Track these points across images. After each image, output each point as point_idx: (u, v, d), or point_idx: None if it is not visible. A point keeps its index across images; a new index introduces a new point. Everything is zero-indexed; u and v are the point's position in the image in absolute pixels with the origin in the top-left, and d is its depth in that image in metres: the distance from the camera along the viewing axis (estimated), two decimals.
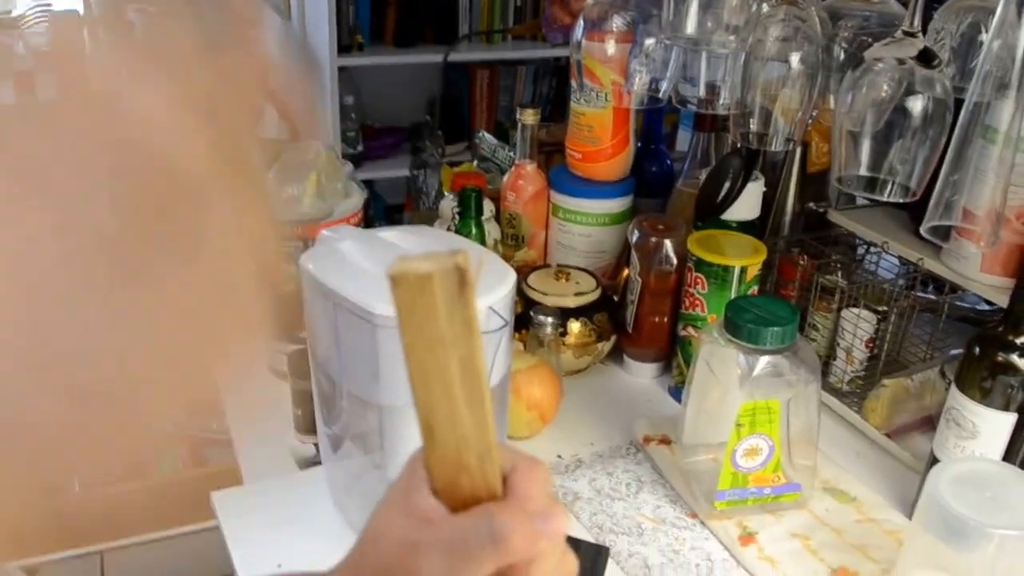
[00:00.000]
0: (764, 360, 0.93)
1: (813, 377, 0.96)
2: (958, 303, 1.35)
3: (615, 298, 1.30)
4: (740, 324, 0.93)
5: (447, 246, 0.89)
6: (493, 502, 0.43)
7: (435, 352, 0.39)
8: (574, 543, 0.89)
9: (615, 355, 1.31)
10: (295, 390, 1.10)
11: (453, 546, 0.42)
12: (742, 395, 0.93)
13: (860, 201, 1.32)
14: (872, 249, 1.25)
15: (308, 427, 1.09)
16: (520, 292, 1.23)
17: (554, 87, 3.41)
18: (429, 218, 1.51)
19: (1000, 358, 0.92)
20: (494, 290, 0.82)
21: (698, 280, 1.15)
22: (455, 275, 0.38)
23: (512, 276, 0.86)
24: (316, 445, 1.09)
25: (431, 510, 0.43)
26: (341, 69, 2.80)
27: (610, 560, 0.92)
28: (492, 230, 1.35)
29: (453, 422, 0.41)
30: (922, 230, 0.98)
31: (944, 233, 1.03)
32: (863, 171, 1.00)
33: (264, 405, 1.20)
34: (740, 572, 0.93)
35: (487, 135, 1.63)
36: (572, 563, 0.46)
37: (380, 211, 1.94)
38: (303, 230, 1.15)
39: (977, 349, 0.94)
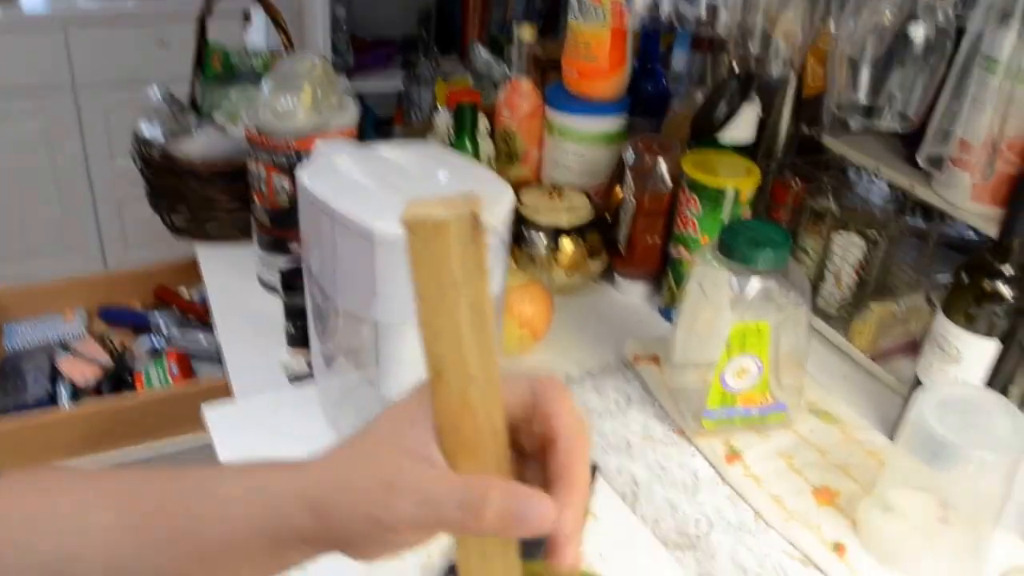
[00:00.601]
0: (756, 282, 0.94)
1: (803, 300, 0.97)
2: (946, 231, 1.36)
3: (608, 217, 1.31)
4: (733, 246, 0.94)
5: (443, 164, 0.90)
6: (487, 476, 0.43)
7: (447, 296, 0.40)
8: None
9: (606, 275, 1.32)
10: (288, 305, 1.11)
11: (427, 500, 0.42)
12: (733, 316, 0.94)
13: (853, 126, 1.31)
14: (863, 175, 1.25)
15: (300, 342, 1.10)
16: (512, 211, 1.23)
17: (547, 1, 3.35)
18: (421, 131, 1.50)
19: (987, 286, 0.94)
20: (491, 208, 0.82)
21: (691, 201, 1.15)
22: (470, 221, 0.38)
23: (509, 194, 0.86)
24: (308, 361, 1.10)
25: (423, 447, 0.43)
26: None
27: (599, 476, 0.94)
28: (486, 146, 1.34)
29: (460, 363, 0.41)
30: (919, 159, 0.98)
31: (939, 162, 1.03)
32: (861, 98, 1.00)
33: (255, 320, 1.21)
34: (725, 489, 0.95)
35: (482, 50, 1.61)
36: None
37: (370, 124, 1.92)
38: (297, 143, 1.15)
39: (965, 276, 0.96)
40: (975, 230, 1.29)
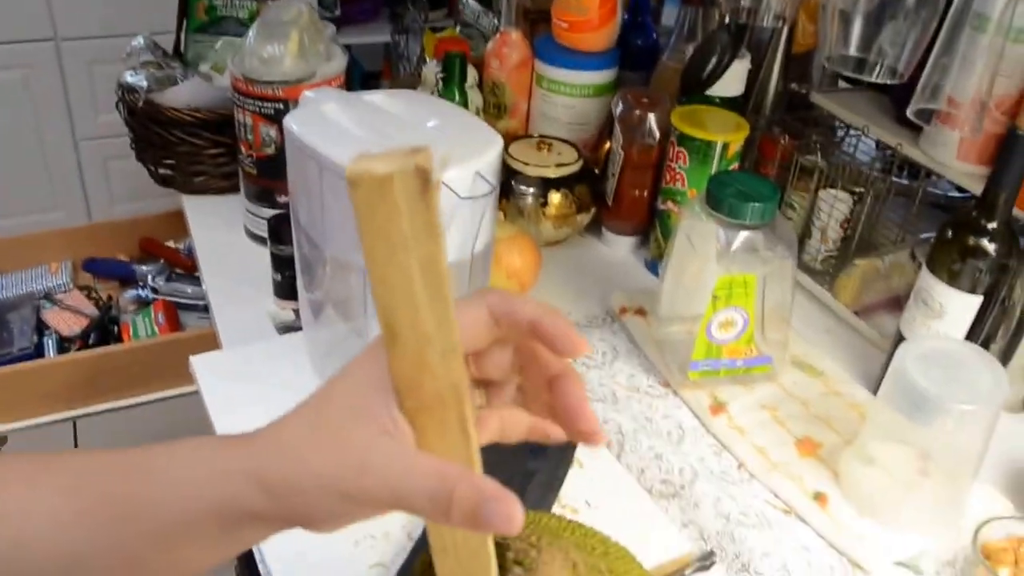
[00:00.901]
0: (743, 235, 0.94)
1: (789, 254, 0.97)
2: (931, 190, 1.37)
3: (596, 171, 1.31)
4: (721, 199, 0.94)
5: (432, 112, 0.89)
6: (456, 467, 0.42)
7: (396, 255, 0.38)
8: None
9: (594, 227, 1.32)
10: (275, 255, 1.10)
11: (397, 489, 0.42)
12: (720, 269, 0.94)
13: (842, 84, 1.32)
14: (851, 132, 1.25)
15: (288, 293, 1.10)
16: (501, 162, 1.22)
17: None
18: (409, 84, 1.49)
19: (971, 242, 0.94)
20: (481, 155, 0.82)
21: (680, 154, 1.15)
22: (416, 176, 0.36)
23: (499, 142, 0.86)
24: (296, 311, 1.10)
25: (389, 418, 0.42)
26: None
27: None
28: (475, 98, 1.33)
29: (415, 323, 0.40)
30: (908, 113, 0.98)
31: (928, 117, 1.04)
32: (852, 51, 1.00)
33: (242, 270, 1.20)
34: (709, 439, 0.96)
35: (471, 1, 1.59)
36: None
37: (357, 77, 1.90)
38: (284, 91, 1.14)
39: (950, 232, 0.96)
40: (960, 189, 1.30)
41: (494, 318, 0.46)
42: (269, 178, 1.21)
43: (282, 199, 1.21)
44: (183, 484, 0.45)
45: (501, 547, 0.49)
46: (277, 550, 0.78)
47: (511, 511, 0.40)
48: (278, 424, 0.45)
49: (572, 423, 0.47)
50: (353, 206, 0.37)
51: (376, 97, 0.91)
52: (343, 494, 0.42)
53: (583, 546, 0.54)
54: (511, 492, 0.41)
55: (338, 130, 0.84)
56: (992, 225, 0.94)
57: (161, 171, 1.39)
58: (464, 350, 0.43)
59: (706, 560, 0.82)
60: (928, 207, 1.31)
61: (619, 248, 1.31)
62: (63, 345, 1.69)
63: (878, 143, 1.25)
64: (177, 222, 1.54)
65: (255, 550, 0.80)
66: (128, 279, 1.85)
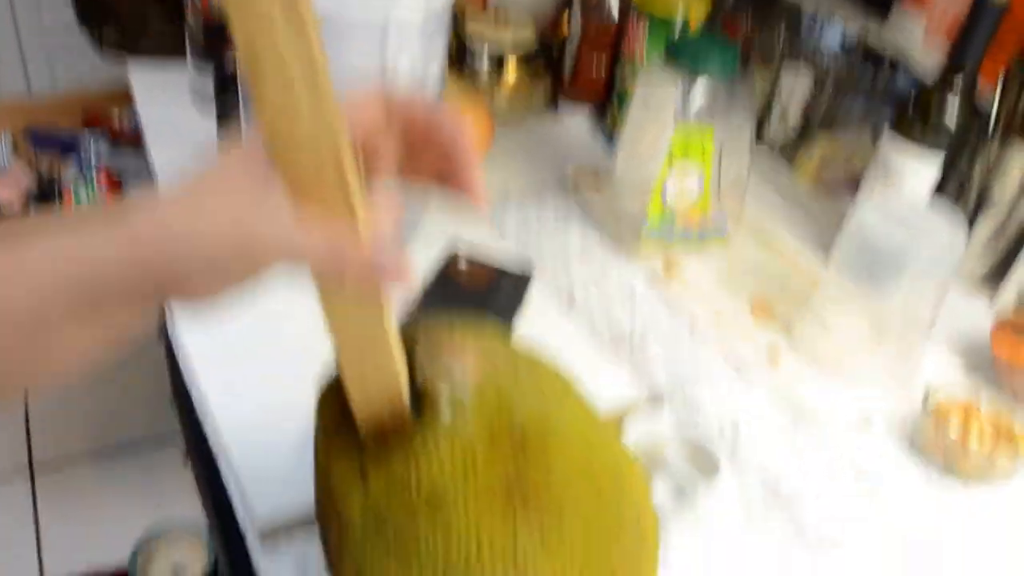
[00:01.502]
0: (702, 87, 0.92)
1: (747, 120, 0.96)
2: (894, 86, 1.36)
3: (554, 47, 1.28)
4: (681, 53, 0.92)
5: None
6: (344, 226, 0.42)
7: None
8: (499, 271, 0.90)
9: (552, 105, 1.30)
10: (221, 118, 1.07)
11: (292, 246, 0.41)
12: (677, 125, 0.93)
13: None
14: (816, 24, 1.23)
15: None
16: (457, 34, 1.19)
17: None
18: None
19: (933, 113, 0.94)
20: None
21: (640, 27, 1.13)
22: None
23: None
24: None
25: (276, 189, 0.41)
26: None
27: (536, 286, 0.94)
28: None
29: (279, 63, 0.38)
30: None
31: None
32: None
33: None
34: (662, 301, 0.96)
35: None
36: None
37: None
38: None
39: (912, 103, 0.95)
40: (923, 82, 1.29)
41: (388, 111, 0.45)
42: (216, 40, 1.17)
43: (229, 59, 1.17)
44: (49, 271, 0.42)
45: (406, 334, 0.49)
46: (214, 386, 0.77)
47: (401, 261, 0.42)
48: (157, 194, 0.43)
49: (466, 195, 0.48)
50: None
51: None
52: (234, 253, 0.41)
53: (504, 343, 0.53)
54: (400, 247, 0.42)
55: None
56: (954, 97, 0.93)
57: (105, 32, 1.34)
58: (352, 137, 0.42)
59: (655, 404, 0.81)
60: (890, 101, 1.30)
61: (576, 125, 1.28)
62: (3, 214, 1.66)
63: (843, 39, 1.24)
64: (121, 96, 1.49)
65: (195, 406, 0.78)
66: (70, 149, 1.80)
